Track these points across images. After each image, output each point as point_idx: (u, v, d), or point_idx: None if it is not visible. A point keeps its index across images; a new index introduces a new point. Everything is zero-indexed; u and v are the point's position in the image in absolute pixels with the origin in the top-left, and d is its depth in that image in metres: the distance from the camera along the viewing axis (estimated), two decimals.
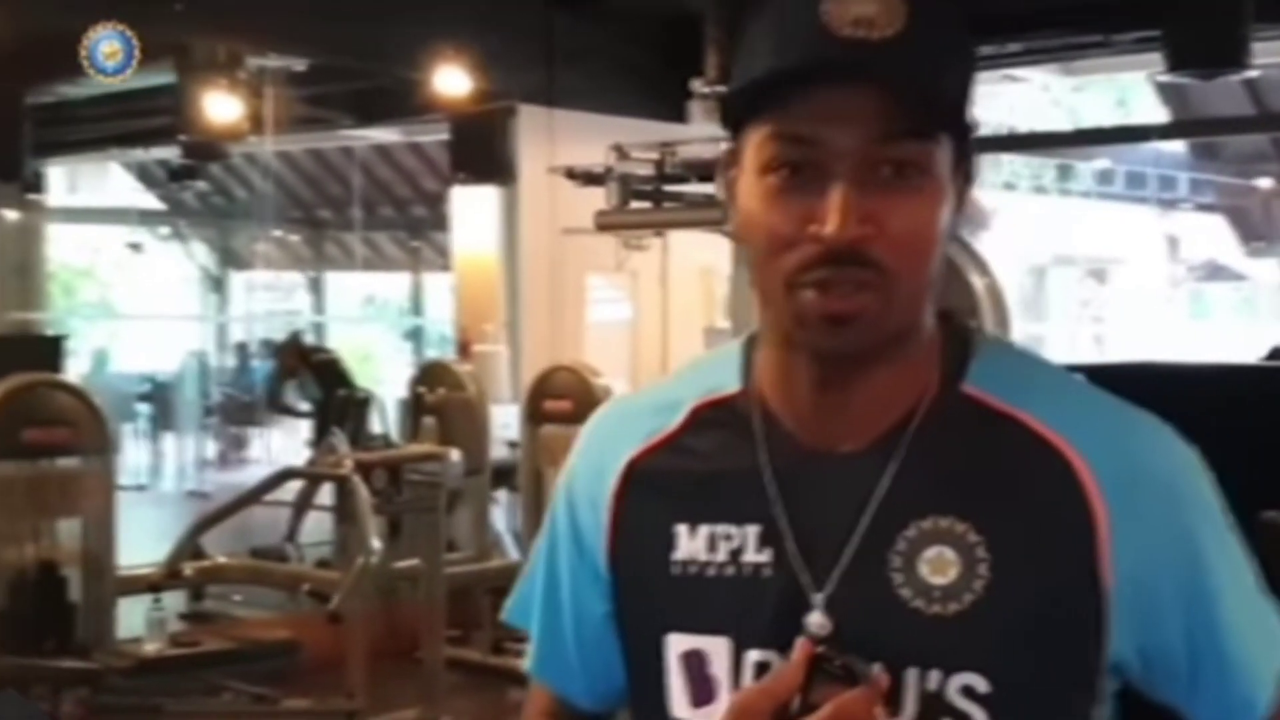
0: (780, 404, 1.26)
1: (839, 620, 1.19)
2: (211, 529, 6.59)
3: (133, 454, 14.32)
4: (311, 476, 7.16)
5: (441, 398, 7.73)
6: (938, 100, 1.17)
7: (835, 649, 1.16)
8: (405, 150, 15.56)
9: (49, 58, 7.76)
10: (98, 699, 5.82)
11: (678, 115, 9.11)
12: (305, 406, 12.29)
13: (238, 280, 19.05)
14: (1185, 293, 22.39)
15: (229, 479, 13.16)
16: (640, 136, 8.43)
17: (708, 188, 7.82)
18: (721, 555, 1.24)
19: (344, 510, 6.45)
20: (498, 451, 7.85)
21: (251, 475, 10.76)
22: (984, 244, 15.48)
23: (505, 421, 7.90)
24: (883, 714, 1.15)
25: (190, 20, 7.68)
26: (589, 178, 8.24)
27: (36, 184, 13.13)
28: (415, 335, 18.52)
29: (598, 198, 8.19)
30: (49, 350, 9.16)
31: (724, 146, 1.25)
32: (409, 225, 17.75)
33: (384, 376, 14.18)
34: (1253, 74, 7.99)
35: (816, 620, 1.19)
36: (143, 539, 7.19)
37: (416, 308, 19.06)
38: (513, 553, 7.58)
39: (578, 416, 5.09)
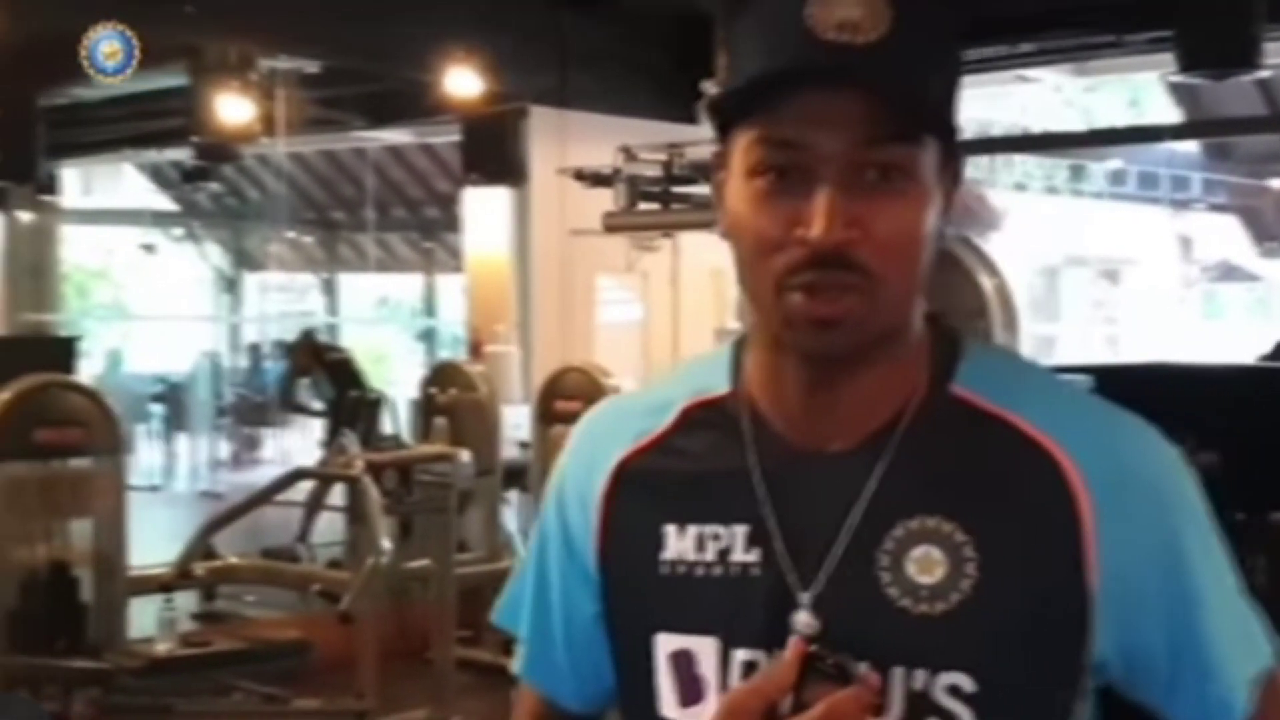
0: (769, 405, 1.26)
1: (826, 619, 1.19)
2: (222, 529, 6.60)
3: (146, 454, 14.38)
4: (322, 477, 7.17)
5: (453, 398, 7.74)
6: (923, 104, 1.17)
7: (827, 648, 1.17)
8: (418, 151, 15.60)
9: (61, 60, 7.78)
10: (109, 699, 5.84)
11: (689, 116, 9.11)
12: (318, 406, 12.31)
13: (251, 281, 19.10)
14: (1199, 293, 22.36)
15: (242, 479, 13.19)
16: (652, 138, 8.44)
17: None
18: (710, 555, 1.25)
19: (355, 511, 6.46)
20: (509, 452, 7.86)
21: (264, 476, 10.77)
22: (996, 244, 15.50)
23: (517, 422, 7.91)
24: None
25: (201, 22, 7.70)
26: (597, 179, 8.26)
27: (50, 186, 13.16)
28: (428, 336, 18.56)
29: (608, 199, 8.21)
30: (62, 351, 9.17)
31: (713, 150, 1.26)
32: (422, 226, 17.78)
33: (397, 377, 14.23)
34: (1265, 74, 7.99)
35: (804, 619, 1.20)
36: (156, 539, 7.21)
37: (429, 309, 19.10)
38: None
39: None
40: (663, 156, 8.23)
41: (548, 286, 9.04)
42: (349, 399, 10.58)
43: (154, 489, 13.30)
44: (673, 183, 8.26)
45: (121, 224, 18.60)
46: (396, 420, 9.75)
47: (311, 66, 9.87)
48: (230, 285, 19.34)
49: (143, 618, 6.29)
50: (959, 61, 1.25)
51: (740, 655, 1.22)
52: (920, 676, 1.18)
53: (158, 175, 17.59)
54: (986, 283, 5.71)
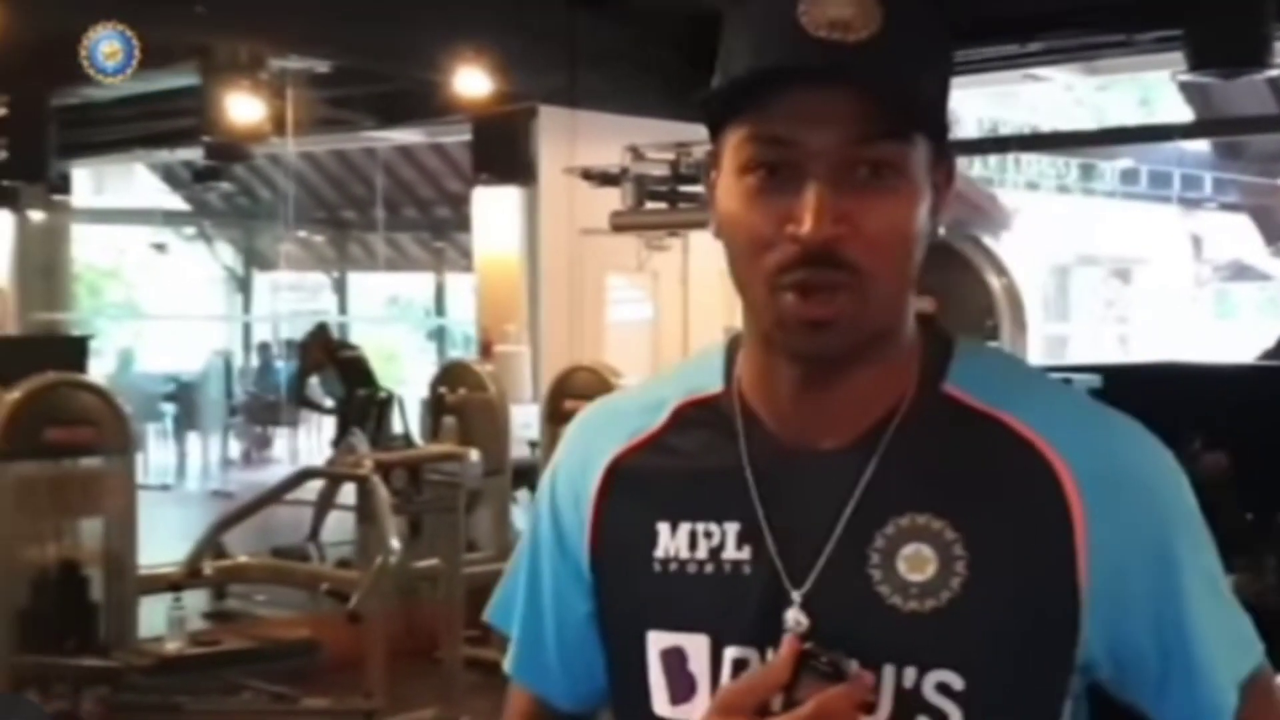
0: (761, 403, 1.26)
1: (817, 617, 1.20)
2: (231, 529, 6.62)
3: (157, 453, 14.42)
4: (331, 476, 7.19)
5: (462, 398, 7.75)
6: (913, 102, 1.18)
7: (819, 646, 1.17)
8: (428, 151, 15.60)
9: (72, 60, 7.80)
10: (118, 697, 5.85)
11: (699, 116, 9.10)
12: (329, 403, 12.32)
13: (262, 281, 19.12)
14: (1210, 292, 22.32)
15: (253, 478, 13.21)
16: (662, 137, 8.44)
17: None
18: (702, 553, 1.25)
19: (365, 510, 6.47)
20: (518, 451, 7.86)
21: (275, 475, 10.80)
22: (1007, 244, 15.49)
23: (526, 421, 7.92)
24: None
25: (212, 22, 7.72)
26: (605, 178, 8.26)
27: (62, 185, 13.20)
28: (439, 335, 18.58)
29: (618, 198, 8.21)
30: (73, 350, 9.22)
31: (706, 149, 1.26)
32: (432, 226, 17.79)
33: (407, 377, 14.23)
34: (1275, 73, 7.97)
35: (794, 617, 1.20)
36: (167, 538, 7.22)
37: (440, 308, 19.11)
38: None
39: None
40: (670, 156, 8.24)
41: (558, 286, 9.04)
42: (358, 398, 10.59)
43: (165, 488, 13.33)
44: (680, 182, 8.26)
45: (133, 223, 18.64)
46: (406, 419, 9.76)
47: (322, 66, 9.89)
48: (241, 284, 19.37)
49: (154, 617, 6.31)
50: (951, 61, 1.25)
51: (731, 653, 1.23)
52: (910, 674, 1.18)
53: (169, 175, 17.62)
54: (995, 282, 5.74)
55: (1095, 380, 6.25)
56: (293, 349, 14.66)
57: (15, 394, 5.92)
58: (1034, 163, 17.45)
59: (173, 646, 6.18)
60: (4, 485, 5.89)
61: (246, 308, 19.29)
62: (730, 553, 1.24)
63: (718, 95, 1.20)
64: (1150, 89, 17.50)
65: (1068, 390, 1.30)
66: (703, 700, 1.22)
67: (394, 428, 9.80)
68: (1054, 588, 1.19)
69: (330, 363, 11.95)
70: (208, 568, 6.44)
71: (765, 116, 1.16)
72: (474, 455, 6.53)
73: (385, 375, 12.58)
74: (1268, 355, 8.99)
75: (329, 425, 12.44)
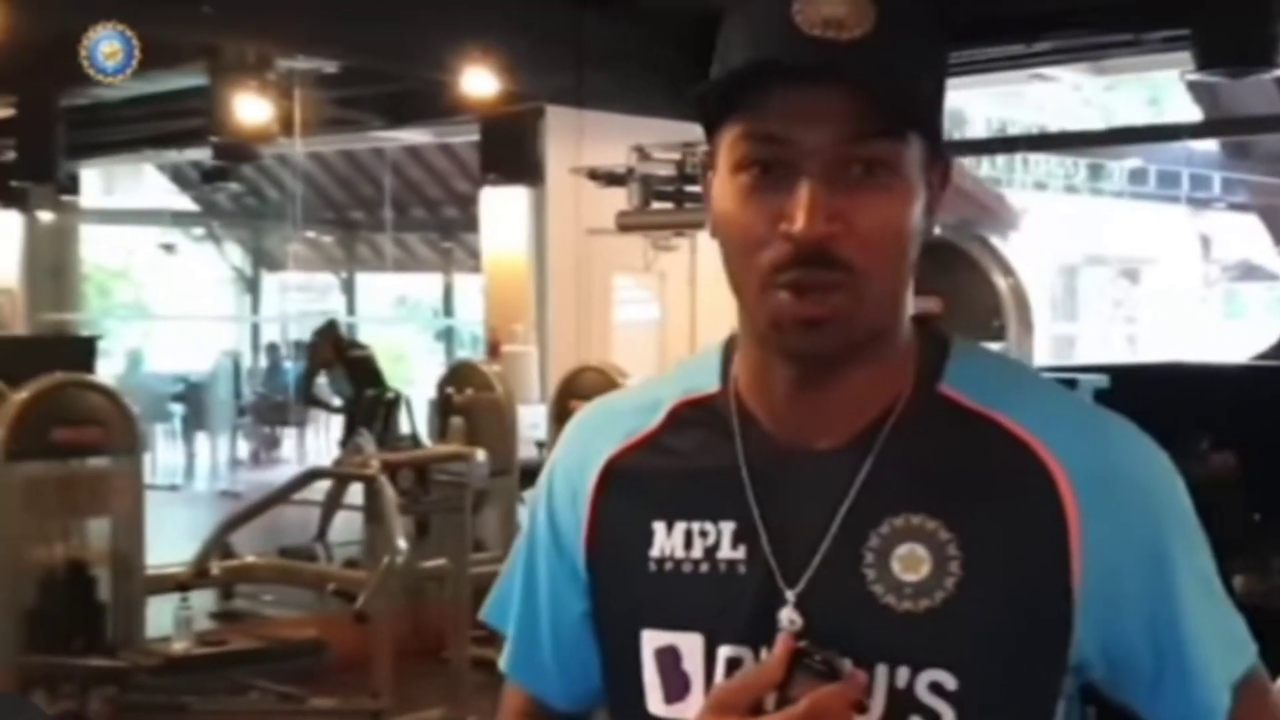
0: (757, 403, 1.26)
1: (811, 616, 1.20)
2: (239, 529, 6.63)
3: (166, 454, 14.44)
4: (338, 476, 7.20)
5: (469, 398, 7.75)
6: (907, 100, 1.18)
7: (814, 645, 1.17)
8: (436, 151, 15.61)
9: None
10: (125, 697, 5.87)
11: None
12: (337, 402, 12.32)
13: (271, 281, 19.15)
14: (1219, 292, 22.29)
15: (261, 478, 13.22)
16: (668, 137, 8.43)
17: None
18: (697, 552, 1.25)
19: (372, 510, 6.48)
20: (526, 452, 7.86)
21: (283, 475, 10.81)
22: (1015, 244, 15.47)
23: (534, 421, 7.92)
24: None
25: (220, 23, 7.73)
26: (611, 178, 8.27)
27: (71, 186, 13.22)
28: (447, 336, 18.59)
29: (624, 198, 8.21)
30: (81, 351, 9.24)
31: (703, 148, 1.26)
32: (440, 226, 17.81)
33: (416, 377, 14.24)
34: None
35: (788, 616, 1.20)
36: (175, 539, 7.24)
37: (448, 308, 19.13)
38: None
39: None
40: (676, 156, 8.23)
41: (565, 286, 9.05)
42: (366, 398, 10.59)
43: (173, 488, 13.35)
44: (686, 182, 8.26)
45: (141, 224, 18.68)
46: (414, 420, 9.76)
47: (329, 67, 9.90)
48: (250, 285, 19.40)
49: (161, 617, 6.32)
50: (946, 61, 1.25)
51: (725, 651, 1.23)
52: (903, 674, 1.18)
53: (178, 175, 17.66)
54: (1002, 282, 5.73)
55: (1102, 380, 6.24)
56: (300, 349, 14.68)
57: (23, 394, 5.94)
58: (1042, 163, 17.44)
59: (180, 646, 6.19)
60: (12, 485, 5.90)
61: (255, 308, 19.32)
62: (725, 552, 1.24)
63: (710, 91, 1.20)
64: (1159, 89, 17.48)
65: (1063, 392, 1.30)
66: (696, 699, 1.22)
67: (401, 428, 9.80)
68: (1048, 588, 1.19)
69: (339, 361, 11.96)
70: (215, 568, 6.45)
71: (759, 114, 1.17)
72: (480, 455, 6.53)
73: (393, 375, 12.58)
74: (1264, 356, 8.98)
75: (337, 425, 12.45)
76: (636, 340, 9.10)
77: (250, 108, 9.18)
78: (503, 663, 1.42)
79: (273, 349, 17.05)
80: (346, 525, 7.84)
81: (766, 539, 1.23)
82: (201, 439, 15.27)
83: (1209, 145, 17.84)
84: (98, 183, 17.33)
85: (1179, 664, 1.21)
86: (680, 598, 1.25)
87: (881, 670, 1.18)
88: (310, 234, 17.50)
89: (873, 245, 1.17)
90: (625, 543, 1.29)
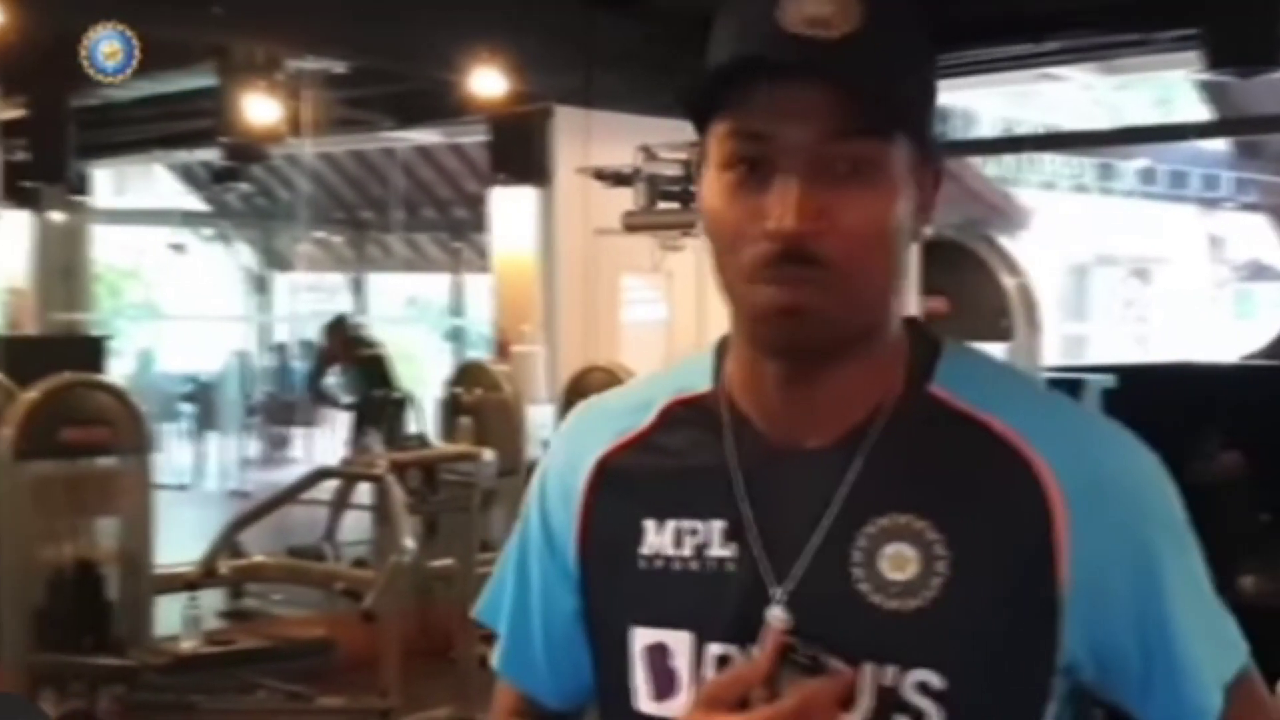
0: (748, 401, 1.27)
1: (799, 614, 1.20)
2: (247, 528, 6.64)
3: (176, 453, 14.46)
4: (346, 476, 7.20)
5: (477, 398, 7.76)
6: (890, 99, 1.18)
7: (804, 641, 1.18)
8: (446, 151, 15.62)
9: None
10: (134, 696, 5.88)
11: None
12: (346, 399, 12.33)
13: (281, 281, 19.17)
14: (1230, 293, 22.25)
15: (271, 478, 13.23)
16: (677, 136, 8.42)
17: None
18: (687, 550, 1.26)
19: (381, 510, 6.49)
20: (534, 451, 7.86)
21: (293, 475, 10.80)
22: (1025, 244, 15.45)
23: (542, 421, 7.93)
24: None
25: (229, 23, 7.74)
26: (618, 179, 8.27)
27: (81, 186, 13.24)
28: (457, 336, 18.60)
29: (631, 199, 8.21)
30: (90, 350, 9.27)
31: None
32: (450, 226, 17.82)
33: (425, 377, 14.26)
34: None
35: (776, 614, 1.21)
36: (185, 538, 7.25)
37: (458, 308, 19.14)
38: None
39: None
40: (683, 155, 8.23)
41: (573, 286, 9.05)
42: (374, 398, 10.61)
43: (183, 488, 13.36)
44: (692, 181, 8.23)
45: (152, 224, 18.71)
46: (423, 419, 9.78)
47: (338, 67, 9.91)
48: (260, 285, 19.42)
49: (170, 615, 6.34)
50: (933, 63, 1.25)
51: (714, 649, 1.23)
52: (890, 673, 1.19)
53: (188, 175, 17.69)
54: (1009, 282, 5.73)
55: (1111, 381, 6.24)
56: (309, 349, 14.70)
57: (32, 394, 5.96)
58: (1051, 162, 17.42)
59: (188, 645, 6.21)
60: (21, 484, 5.93)
61: (265, 308, 19.35)
62: (715, 550, 1.25)
63: (692, 88, 1.21)
64: (1169, 88, 17.45)
65: (1053, 395, 1.30)
66: (685, 697, 1.23)
67: (409, 428, 9.81)
68: (1034, 589, 1.19)
69: (348, 359, 11.96)
70: (224, 567, 6.46)
71: (743, 112, 1.18)
72: (488, 455, 6.54)
73: (404, 375, 12.61)
74: (1255, 356, 8.98)
75: (346, 425, 12.47)
76: (644, 340, 9.10)
77: (260, 108, 9.19)
78: (494, 661, 1.43)
79: (280, 349, 17.09)
80: (356, 525, 7.86)
81: (756, 537, 1.23)
82: (211, 439, 15.30)
83: (1219, 145, 17.82)
84: (109, 183, 17.36)
85: (1168, 664, 1.22)
86: (670, 595, 1.26)
87: (869, 669, 1.19)
88: (320, 234, 17.53)
89: (855, 243, 1.17)
90: (616, 541, 1.29)
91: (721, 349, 1.31)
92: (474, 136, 12.16)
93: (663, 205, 8.34)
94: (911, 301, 5.10)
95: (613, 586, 1.30)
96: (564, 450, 1.37)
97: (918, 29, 1.22)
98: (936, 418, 1.24)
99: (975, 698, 1.19)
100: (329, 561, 7.68)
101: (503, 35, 8.29)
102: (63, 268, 12.96)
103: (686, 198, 8.37)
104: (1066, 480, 1.20)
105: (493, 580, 1.43)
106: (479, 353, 14.21)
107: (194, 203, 18.35)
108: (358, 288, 19.52)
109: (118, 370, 11.94)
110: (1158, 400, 6.15)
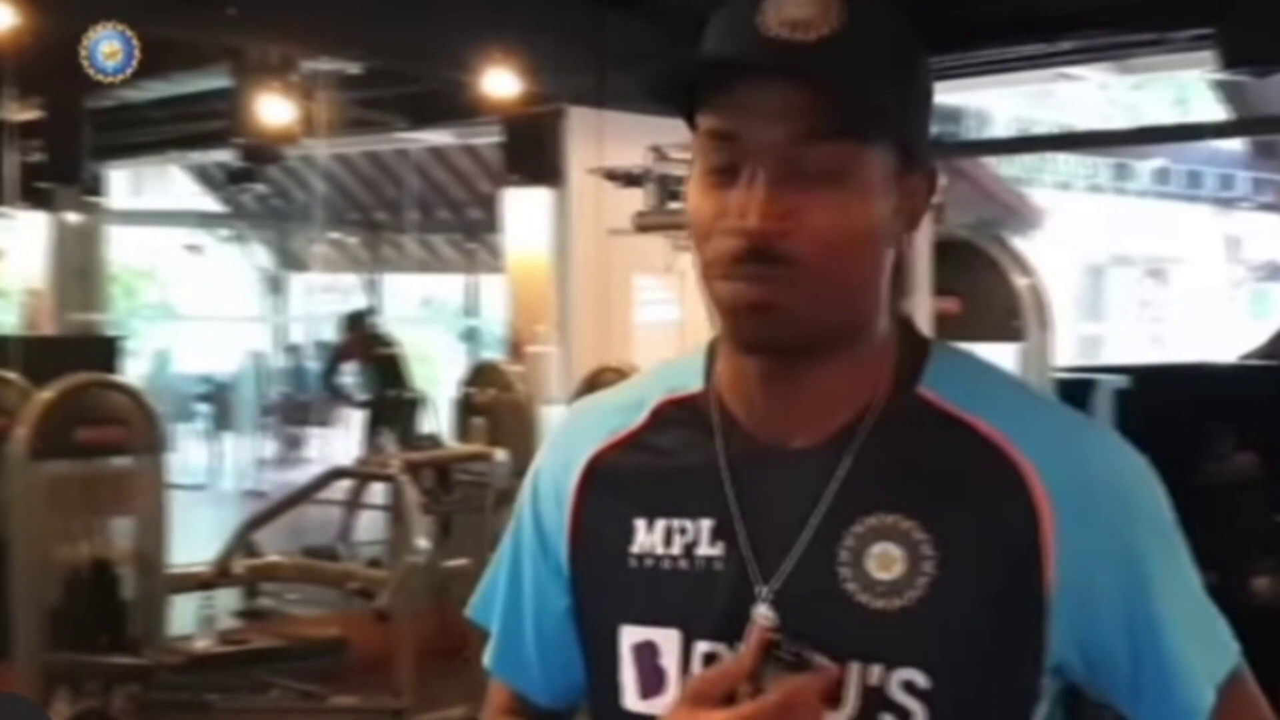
0: (736, 402, 1.28)
1: (785, 612, 1.21)
2: (261, 528, 6.66)
3: (192, 454, 14.50)
4: (360, 476, 7.22)
5: (491, 398, 7.77)
6: (866, 103, 1.18)
7: (789, 638, 1.18)
8: (460, 152, 15.63)
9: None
10: (148, 695, 5.89)
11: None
12: (360, 397, 12.34)
13: (296, 282, 19.20)
14: (1247, 293, 22.18)
15: (286, 478, 13.26)
16: (689, 137, 8.43)
17: None
18: (676, 548, 1.27)
19: (395, 510, 6.50)
20: None
21: (308, 474, 10.84)
22: (1039, 244, 15.42)
23: (555, 422, 7.93)
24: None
25: (243, 24, 7.76)
26: (629, 179, 8.27)
27: (96, 187, 13.27)
28: (472, 336, 18.61)
29: (642, 199, 8.21)
30: (104, 350, 9.29)
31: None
32: (465, 227, 17.82)
33: (440, 377, 14.27)
34: None
35: (762, 612, 1.22)
36: (200, 538, 7.27)
37: (473, 309, 19.15)
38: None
39: None
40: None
41: (586, 286, 9.06)
42: (388, 397, 10.62)
43: (199, 488, 13.40)
44: None
45: (168, 225, 18.74)
46: (437, 419, 9.79)
47: (352, 68, 9.93)
48: (275, 286, 19.45)
49: (184, 615, 6.35)
50: (923, 70, 1.25)
51: (701, 647, 1.24)
52: (876, 672, 1.19)
53: (204, 176, 17.72)
54: (1020, 282, 5.71)
55: (1125, 381, 6.23)
56: (324, 350, 14.73)
57: (47, 394, 5.97)
58: (1066, 162, 17.38)
59: (202, 645, 6.22)
60: (36, 484, 5.94)
61: (280, 309, 19.38)
62: (703, 549, 1.26)
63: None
64: (1186, 88, 17.40)
65: (1041, 396, 1.32)
66: (672, 694, 1.24)
67: (423, 428, 9.83)
68: (1020, 589, 1.20)
69: (364, 357, 11.98)
70: (238, 567, 6.48)
71: (719, 112, 1.20)
72: (502, 455, 6.56)
73: (419, 376, 12.63)
74: (1251, 355, 8.96)
75: (361, 425, 12.50)
76: (657, 341, 9.09)
77: (274, 109, 9.21)
78: (486, 659, 1.44)
79: (294, 350, 17.12)
80: (372, 525, 7.87)
81: (743, 536, 1.24)
82: (227, 439, 15.33)
83: (1236, 145, 17.76)
84: (125, 184, 17.39)
85: (1157, 665, 1.22)
86: (659, 594, 1.27)
87: (854, 668, 1.19)
88: (335, 235, 17.55)
89: (822, 245, 1.18)
90: (607, 539, 1.30)
91: (713, 349, 1.33)
92: (487, 137, 12.17)
93: (673, 205, 8.35)
94: (924, 302, 5.08)
95: (603, 585, 1.31)
96: (556, 450, 1.38)
97: (905, 34, 1.22)
98: (924, 419, 1.25)
99: (961, 697, 1.19)
100: (343, 561, 7.69)
101: (516, 36, 8.29)
102: (79, 269, 12.98)
103: None
104: (1052, 481, 1.21)
105: (485, 579, 1.44)
106: (493, 353, 14.23)
107: (209, 204, 18.38)
108: (373, 288, 19.54)
109: (133, 371, 11.96)
110: (1172, 401, 6.15)
